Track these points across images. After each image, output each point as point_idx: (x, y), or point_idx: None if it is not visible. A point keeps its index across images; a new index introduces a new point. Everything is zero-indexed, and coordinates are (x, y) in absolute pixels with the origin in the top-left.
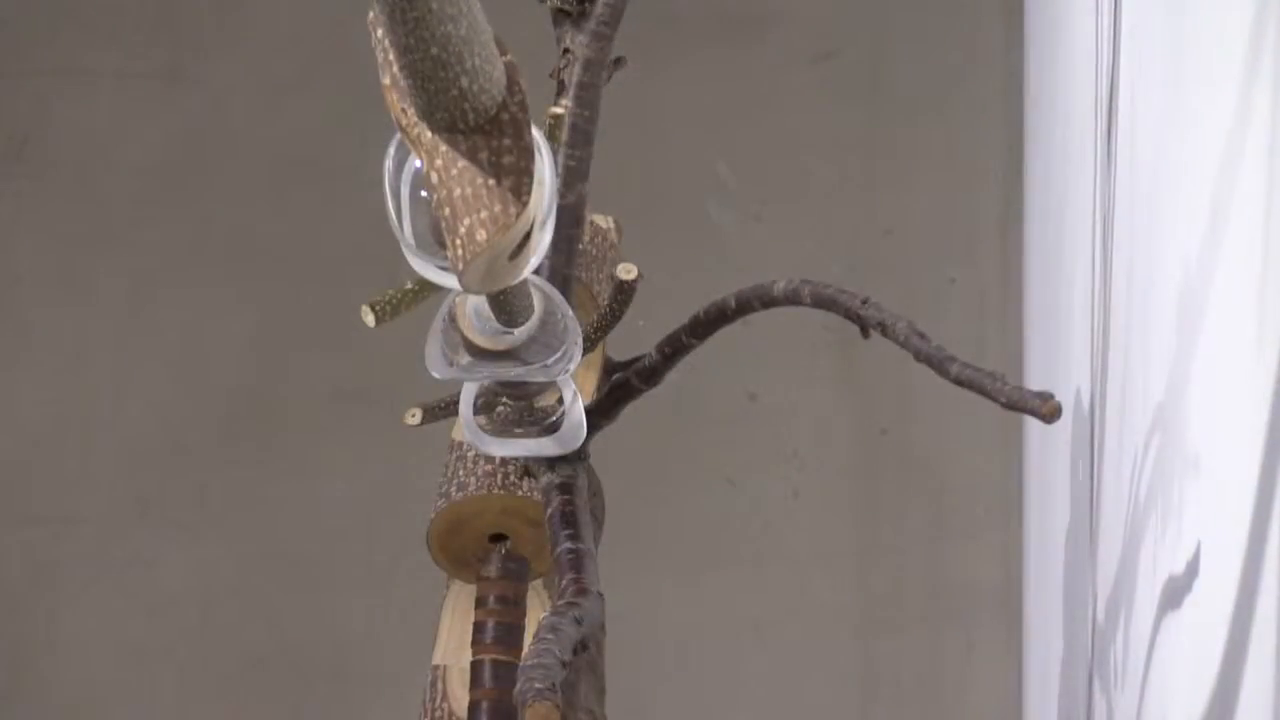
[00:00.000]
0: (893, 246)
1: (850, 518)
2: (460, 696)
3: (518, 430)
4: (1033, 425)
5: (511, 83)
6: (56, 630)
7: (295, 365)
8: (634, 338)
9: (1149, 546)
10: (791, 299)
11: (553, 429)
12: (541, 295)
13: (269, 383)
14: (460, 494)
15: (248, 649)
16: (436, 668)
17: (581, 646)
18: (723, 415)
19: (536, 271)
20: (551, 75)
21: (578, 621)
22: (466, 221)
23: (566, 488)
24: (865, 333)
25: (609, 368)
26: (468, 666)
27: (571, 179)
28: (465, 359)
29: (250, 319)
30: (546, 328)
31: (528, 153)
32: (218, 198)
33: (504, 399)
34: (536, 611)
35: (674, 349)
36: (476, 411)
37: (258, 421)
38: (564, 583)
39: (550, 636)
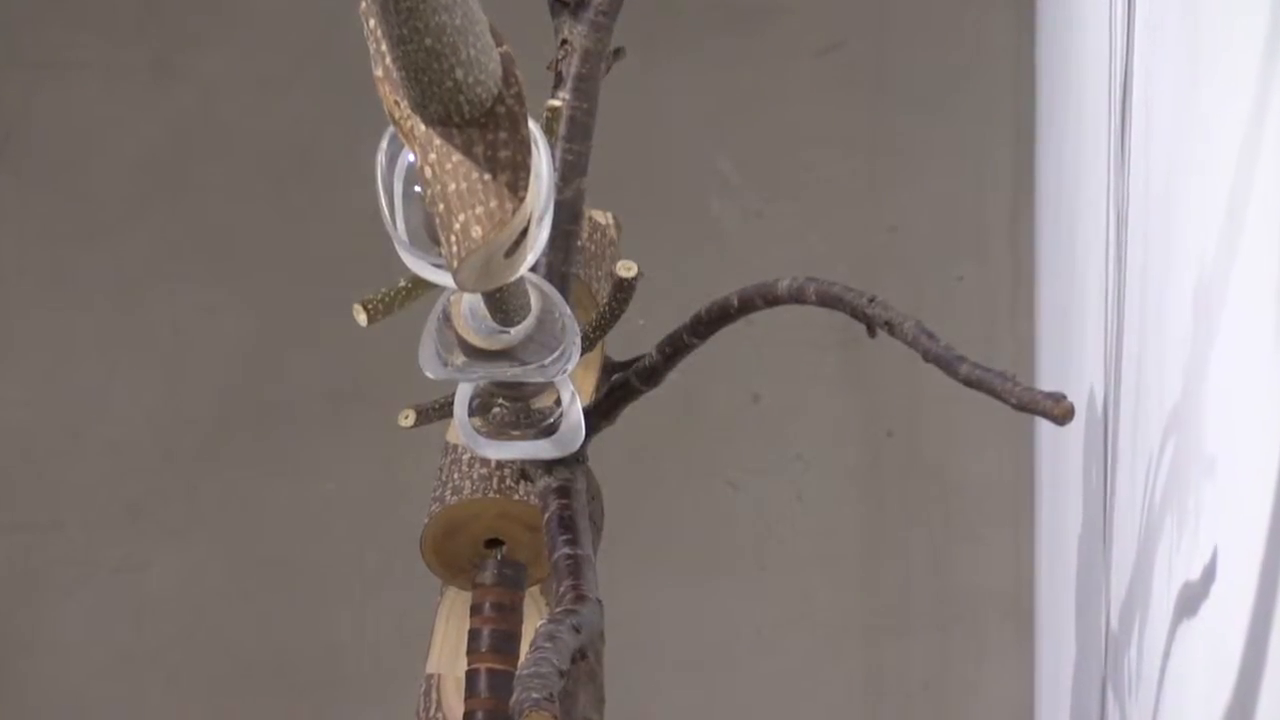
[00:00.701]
0: (900, 243)
1: (856, 521)
2: (455, 706)
3: (514, 432)
4: (1044, 427)
5: (508, 74)
6: (42, 637)
7: (287, 365)
8: (634, 337)
9: (1164, 551)
10: (796, 297)
11: (550, 431)
12: (539, 293)
13: (260, 383)
14: (455, 498)
15: (238, 655)
16: (431, 676)
17: (580, 655)
18: (725, 416)
19: (534, 269)
20: (549, 67)
21: (576, 629)
22: (461, 217)
23: (564, 491)
24: (872, 332)
25: (608, 368)
26: (463, 675)
27: (569, 174)
28: (460, 359)
29: (241, 318)
30: (544, 327)
31: (524, 147)
32: (207, 194)
33: (500, 400)
34: (534, 619)
35: (675, 348)
36: (472, 413)
37: (248, 423)
38: (562, 589)
39: (548, 645)
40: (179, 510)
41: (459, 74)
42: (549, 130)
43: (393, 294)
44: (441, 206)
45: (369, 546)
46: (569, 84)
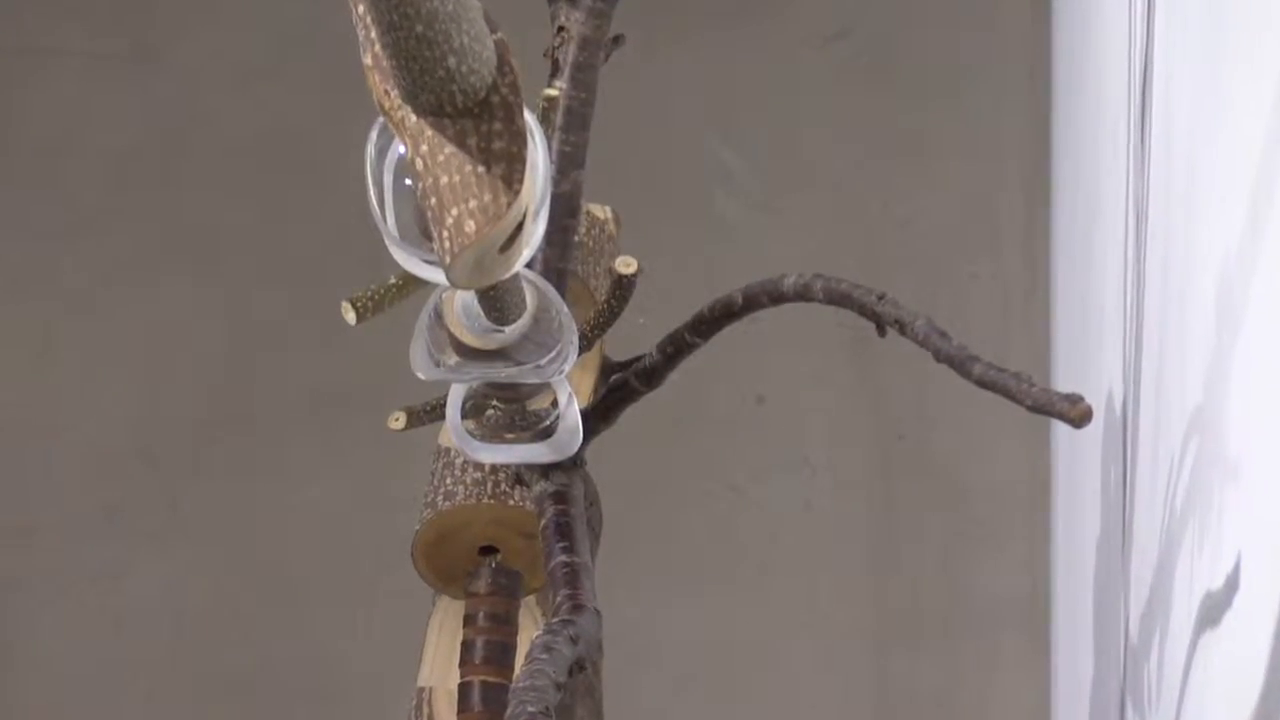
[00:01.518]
0: (910, 239)
1: (865, 528)
2: None
3: (509, 435)
4: (1061, 429)
5: (502, 62)
6: (17, 648)
7: (272, 366)
8: (633, 336)
9: (1185, 559)
10: (802, 294)
11: (546, 434)
12: (535, 291)
13: (245, 384)
14: (447, 503)
15: (222, 667)
16: (422, 689)
17: (577, 667)
18: (728, 419)
19: (529, 265)
20: (546, 55)
21: (573, 640)
22: (454, 211)
23: (561, 497)
24: (881, 330)
25: (607, 368)
26: (455, 688)
27: (566, 166)
28: (453, 359)
29: (225, 316)
30: (540, 325)
31: (520, 138)
32: (190, 187)
33: (494, 402)
34: (529, 629)
35: (676, 348)
36: (465, 415)
37: (233, 426)
38: (559, 598)
39: (544, 656)
40: (160, 515)
41: (451, 62)
42: (545, 121)
43: (383, 291)
44: (433, 200)
45: (358, 553)
46: (566, 73)
